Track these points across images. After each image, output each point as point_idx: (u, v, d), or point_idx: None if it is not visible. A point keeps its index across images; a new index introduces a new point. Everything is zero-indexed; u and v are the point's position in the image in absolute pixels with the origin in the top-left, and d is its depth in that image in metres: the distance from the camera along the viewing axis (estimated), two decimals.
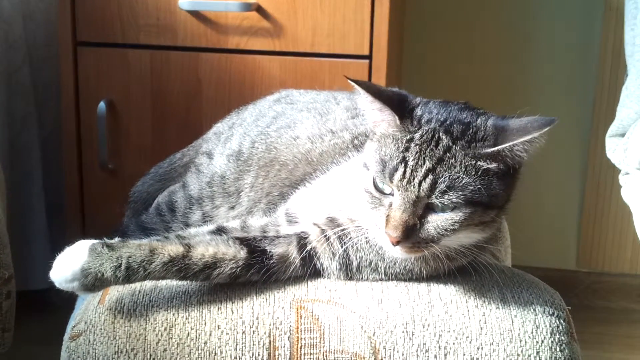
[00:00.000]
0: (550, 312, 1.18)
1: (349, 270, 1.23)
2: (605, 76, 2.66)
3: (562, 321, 1.18)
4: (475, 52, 2.76)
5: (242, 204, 1.43)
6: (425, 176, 1.08)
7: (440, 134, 1.11)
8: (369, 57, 2.09)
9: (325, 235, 1.23)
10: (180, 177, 1.60)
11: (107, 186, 2.21)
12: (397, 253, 1.14)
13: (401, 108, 1.14)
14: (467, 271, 1.22)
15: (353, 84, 1.15)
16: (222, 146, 1.53)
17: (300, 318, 1.17)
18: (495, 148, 1.09)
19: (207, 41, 2.13)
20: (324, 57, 2.10)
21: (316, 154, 1.38)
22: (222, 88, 2.15)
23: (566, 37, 2.71)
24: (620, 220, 2.77)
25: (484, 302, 1.19)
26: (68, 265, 1.13)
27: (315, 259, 1.23)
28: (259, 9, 2.07)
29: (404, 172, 1.09)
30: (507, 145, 1.09)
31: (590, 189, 2.78)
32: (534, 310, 1.18)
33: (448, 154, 1.09)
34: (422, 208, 1.10)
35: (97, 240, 1.16)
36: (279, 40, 2.10)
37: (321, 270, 1.24)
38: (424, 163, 1.09)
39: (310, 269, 1.24)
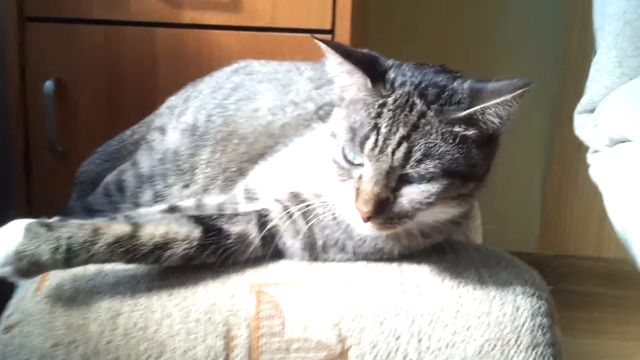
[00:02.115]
0: (531, 293, 1.10)
1: (314, 250, 1.14)
2: (571, 51, 2.60)
3: (543, 302, 1.10)
4: (442, 25, 2.68)
5: (197, 182, 1.33)
6: (399, 144, 0.99)
7: (415, 98, 1.02)
8: (332, 31, 1.99)
9: (288, 212, 1.13)
10: (130, 156, 1.49)
11: (57, 169, 2.07)
12: (368, 230, 1.04)
13: (372, 70, 1.05)
14: (441, 249, 1.13)
15: (320, 43, 1.05)
16: (175, 120, 1.42)
17: (260, 304, 1.07)
18: (467, 111, 1.00)
19: (161, 16, 2.00)
20: (284, 31, 1.99)
21: (278, 126, 1.29)
22: (179, 65, 2.02)
23: (532, 11, 2.63)
24: (585, 202, 2.72)
25: (460, 282, 1.10)
26: (0, 247, 1.01)
27: (277, 238, 1.14)
28: None
29: (376, 140, 1.00)
30: (478, 107, 1.00)
31: (555, 169, 2.73)
32: (514, 290, 1.10)
33: (423, 120, 1.00)
34: (395, 180, 1.01)
35: (34, 220, 1.04)
36: (237, 15, 1.98)
37: (283, 250, 1.15)
38: (398, 130, 0.99)
39: (271, 250, 1.14)
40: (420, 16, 2.67)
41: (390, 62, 1.09)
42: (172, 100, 1.50)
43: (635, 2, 1.86)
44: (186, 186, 1.35)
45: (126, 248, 1.05)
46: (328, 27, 1.98)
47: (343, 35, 1.97)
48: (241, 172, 1.27)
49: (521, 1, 2.64)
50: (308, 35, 1.95)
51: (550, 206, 2.77)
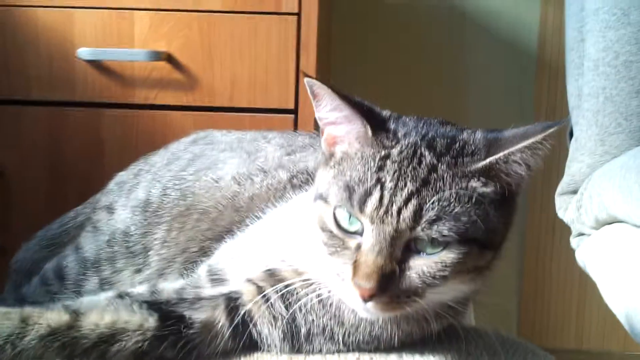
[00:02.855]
0: None
1: (296, 341, 0.94)
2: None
3: None
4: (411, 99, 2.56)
5: (150, 265, 1.14)
6: (407, 201, 0.82)
7: (423, 149, 0.86)
8: (295, 111, 1.86)
9: (264, 295, 0.94)
10: (74, 241, 1.29)
11: None
12: (369, 312, 0.85)
13: (372, 119, 0.89)
14: (446, 336, 0.95)
15: (313, 82, 0.88)
16: (125, 197, 1.23)
17: None
18: (488, 160, 0.84)
19: (110, 95, 1.85)
20: (244, 111, 1.85)
21: (245, 198, 1.11)
22: (129, 148, 1.85)
23: (499, 98, 2.56)
24: (563, 292, 2.58)
25: None
26: None
27: (251, 326, 0.94)
28: (169, 59, 1.82)
29: (381, 196, 0.83)
30: (501, 154, 0.84)
31: (530, 255, 2.59)
32: None
33: (434, 174, 0.84)
34: (402, 249, 0.83)
35: None
36: (194, 94, 1.85)
37: (259, 341, 0.95)
38: (405, 185, 0.83)
39: (244, 341, 0.94)
40: (384, 80, 2.54)
41: (388, 112, 0.94)
42: (122, 175, 1.32)
43: (615, 78, 1.78)
44: (138, 271, 1.15)
45: (63, 342, 0.85)
46: (291, 106, 1.85)
47: (308, 116, 1.84)
48: (204, 252, 1.09)
49: (491, 85, 2.55)
50: (270, 115, 1.87)
51: (526, 298, 2.62)
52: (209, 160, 1.20)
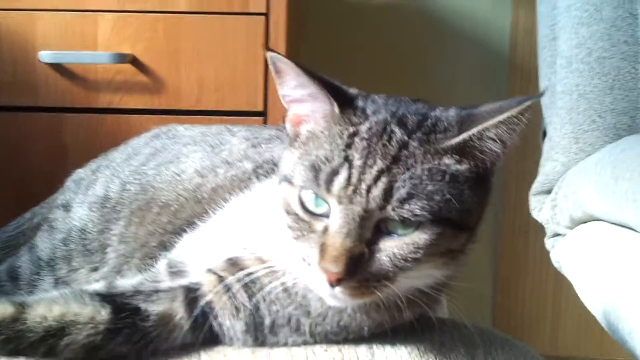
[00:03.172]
0: None
1: (260, 332, 0.89)
2: None
3: None
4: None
5: (108, 262, 1.08)
6: (376, 179, 0.77)
7: (393, 126, 0.81)
8: (264, 113, 1.82)
9: (225, 285, 0.88)
10: (29, 241, 1.22)
11: None
12: (337, 299, 0.80)
13: (339, 95, 0.85)
14: (419, 326, 0.90)
15: (277, 57, 0.84)
16: (82, 194, 1.18)
17: None
18: (461, 136, 0.80)
19: (73, 100, 1.80)
20: (212, 114, 1.81)
21: (208, 189, 1.06)
22: (93, 153, 1.74)
23: (471, 101, 2.53)
24: (537, 299, 2.55)
25: None
26: None
27: (212, 318, 0.88)
28: (134, 62, 1.77)
29: (349, 175, 0.78)
30: (475, 130, 0.80)
31: (503, 260, 2.56)
32: None
33: (405, 151, 0.79)
34: (371, 229, 0.79)
35: None
36: (160, 97, 1.80)
37: (220, 334, 0.89)
38: (375, 162, 0.78)
39: (204, 334, 0.88)
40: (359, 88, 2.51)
41: (355, 90, 0.89)
42: (79, 172, 1.27)
43: (588, 75, 1.76)
44: (95, 269, 1.09)
45: (7, 335, 0.79)
46: (260, 108, 1.81)
47: (278, 118, 1.80)
48: (164, 247, 1.03)
49: (460, 88, 2.53)
50: (238, 117, 1.82)
51: (501, 304, 2.58)
52: (171, 154, 1.15)
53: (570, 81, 1.79)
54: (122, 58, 1.75)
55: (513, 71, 2.48)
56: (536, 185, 1.86)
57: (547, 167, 1.82)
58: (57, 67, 1.77)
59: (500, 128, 0.80)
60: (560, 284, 2.42)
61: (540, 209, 1.85)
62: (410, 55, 2.49)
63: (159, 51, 1.78)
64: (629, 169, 1.43)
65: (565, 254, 1.74)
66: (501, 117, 0.79)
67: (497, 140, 0.81)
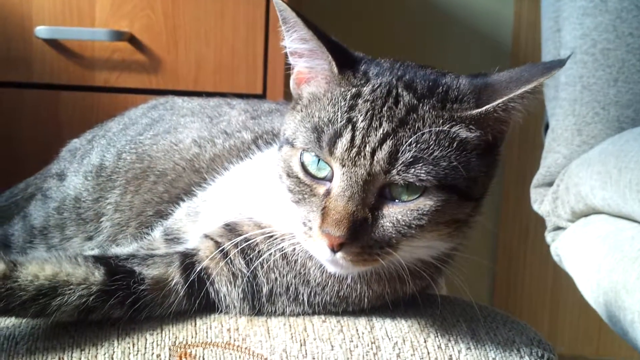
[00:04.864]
0: (539, 354, 0.85)
1: (257, 300, 0.86)
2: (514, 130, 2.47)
3: None
4: None
5: (102, 232, 1.05)
6: (381, 142, 0.75)
7: (400, 89, 0.79)
8: (262, 96, 1.79)
9: (222, 250, 0.85)
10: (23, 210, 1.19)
11: None
12: (339, 265, 0.78)
13: (340, 55, 0.82)
14: (420, 300, 0.87)
15: (283, 6, 0.81)
16: (77, 163, 1.15)
17: None
18: (484, 107, 0.78)
19: (69, 77, 1.76)
20: (209, 96, 1.77)
21: (206, 159, 1.03)
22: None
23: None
24: (536, 295, 2.52)
25: (450, 341, 0.84)
26: None
27: (208, 284, 0.86)
28: (131, 40, 1.74)
29: (352, 137, 0.76)
30: (500, 101, 0.77)
31: (501, 257, 2.53)
32: (518, 351, 0.84)
33: (413, 115, 0.77)
34: (375, 194, 0.76)
35: None
36: (157, 77, 1.77)
37: (216, 300, 0.86)
38: (380, 125, 0.76)
39: (200, 300, 0.86)
40: None
41: (361, 54, 0.87)
42: (75, 142, 1.24)
43: (592, 66, 1.74)
44: (89, 238, 1.06)
45: None
46: (259, 91, 1.78)
47: (277, 98, 1.77)
48: (160, 216, 1.00)
49: None
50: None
51: (497, 305, 2.55)
52: (168, 125, 1.13)
53: (574, 72, 1.77)
54: (119, 36, 1.72)
55: (516, 64, 2.45)
56: (537, 178, 1.84)
57: (549, 160, 1.80)
58: (54, 44, 1.73)
59: (526, 98, 0.78)
60: (559, 282, 2.40)
61: (541, 201, 1.82)
62: (413, 47, 2.46)
63: (157, 30, 1.74)
64: (633, 159, 1.41)
65: (566, 247, 1.72)
66: (528, 87, 0.77)
67: (522, 111, 0.79)
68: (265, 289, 0.85)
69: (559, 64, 0.78)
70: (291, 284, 0.85)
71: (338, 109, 0.78)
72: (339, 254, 0.75)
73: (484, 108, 0.78)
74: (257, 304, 0.86)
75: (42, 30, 1.72)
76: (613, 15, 1.73)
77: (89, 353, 0.78)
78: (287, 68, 0.87)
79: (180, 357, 0.78)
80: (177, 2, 1.74)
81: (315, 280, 0.85)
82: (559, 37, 1.82)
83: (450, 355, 0.82)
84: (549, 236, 1.81)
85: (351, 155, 0.75)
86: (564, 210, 1.73)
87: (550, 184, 1.80)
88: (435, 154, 0.75)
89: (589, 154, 1.68)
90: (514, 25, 2.43)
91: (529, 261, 2.48)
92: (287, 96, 1.74)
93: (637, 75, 1.71)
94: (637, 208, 1.37)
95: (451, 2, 2.46)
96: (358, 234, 0.75)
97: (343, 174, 0.76)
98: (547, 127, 1.87)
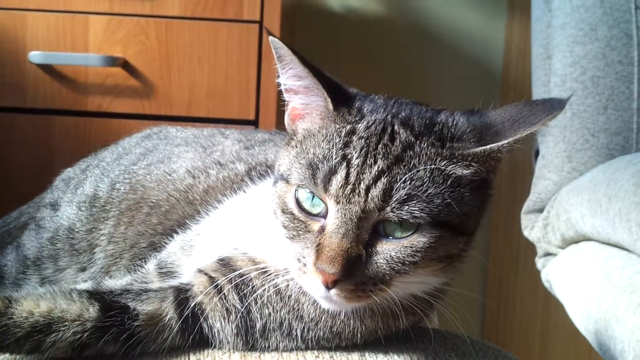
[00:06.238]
0: None
1: (251, 336, 0.86)
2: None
3: None
4: None
5: (96, 263, 1.05)
6: (376, 179, 0.76)
7: (396, 126, 0.80)
8: (255, 122, 1.80)
9: (217, 285, 0.86)
10: (16, 240, 1.19)
11: None
12: (332, 302, 0.78)
13: (336, 92, 0.83)
14: (412, 335, 0.88)
15: (276, 42, 0.82)
16: (71, 193, 1.15)
17: None
18: (489, 146, 0.79)
19: (62, 102, 1.77)
20: (202, 122, 1.78)
21: (200, 190, 1.03)
22: (80, 156, 1.73)
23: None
24: (527, 321, 2.52)
25: None
26: None
27: (202, 320, 0.86)
28: (125, 65, 1.75)
29: (347, 174, 0.76)
30: (505, 142, 0.78)
31: (492, 285, 2.54)
32: None
33: (410, 152, 0.78)
34: (369, 231, 0.77)
35: None
36: (150, 103, 1.77)
37: (210, 336, 0.87)
38: (375, 162, 0.77)
39: (194, 335, 0.86)
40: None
41: (355, 90, 0.88)
42: (69, 171, 1.24)
43: (582, 93, 1.75)
44: (82, 269, 1.06)
45: None
46: (252, 117, 1.79)
47: (269, 128, 1.78)
48: (153, 248, 1.00)
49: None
50: (230, 125, 1.79)
51: (489, 329, 2.56)
52: (162, 154, 1.13)
53: None
54: (113, 61, 1.73)
55: (506, 90, 2.47)
56: (528, 204, 1.85)
57: (540, 186, 1.81)
58: (47, 69, 1.74)
59: (530, 138, 0.79)
60: (549, 309, 2.40)
61: (532, 227, 1.83)
62: (404, 72, 2.48)
63: (151, 56, 1.75)
64: (622, 188, 1.42)
65: (556, 274, 1.73)
66: (534, 129, 0.78)
67: (521, 149, 0.79)
68: (258, 325, 0.86)
69: (560, 105, 0.78)
70: (285, 320, 0.86)
71: (333, 145, 0.79)
72: (333, 291, 0.76)
73: (488, 147, 0.79)
74: (250, 339, 0.86)
75: (35, 56, 1.72)
76: (602, 43, 1.75)
77: None
78: (282, 104, 0.88)
79: None
80: (171, 28, 1.75)
81: (308, 316, 0.85)
82: (549, 64, 1.83)
83: None
84: (539, 262, 1.81)
85: (345, 192, 0.76)
86: (555, 237, 1.73)
87: (541, 210, 1.81)
88: (429, 191, 0.76)
89: (579, 180, 1.69)
90: (504, 52, 2.45)
91: (519, 289, 2.49)
92: (280, 121, 1.75)
93: (626, 102, 1.73)
94: (626, 237, 1.38)
95: (442, 28, 2.47)
96: (352, 271, 0.75)
97: (337, 210, 0.76)
98: (537, 153, 1.89)
